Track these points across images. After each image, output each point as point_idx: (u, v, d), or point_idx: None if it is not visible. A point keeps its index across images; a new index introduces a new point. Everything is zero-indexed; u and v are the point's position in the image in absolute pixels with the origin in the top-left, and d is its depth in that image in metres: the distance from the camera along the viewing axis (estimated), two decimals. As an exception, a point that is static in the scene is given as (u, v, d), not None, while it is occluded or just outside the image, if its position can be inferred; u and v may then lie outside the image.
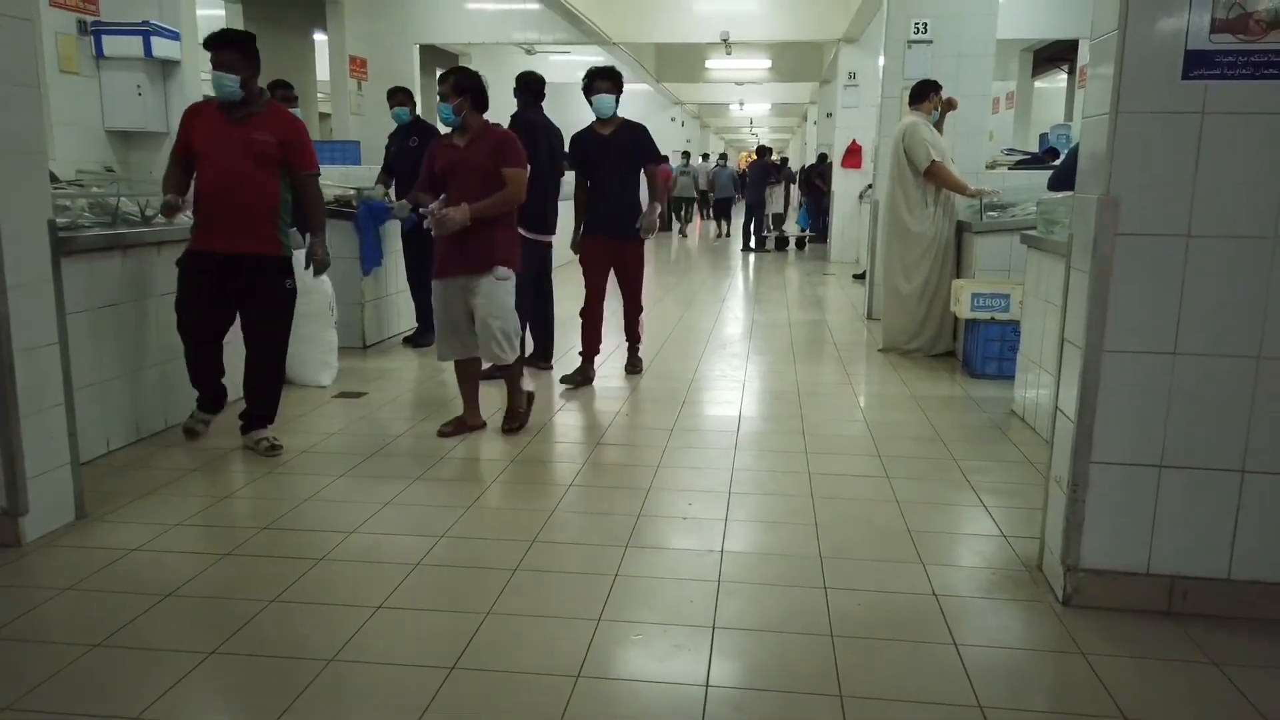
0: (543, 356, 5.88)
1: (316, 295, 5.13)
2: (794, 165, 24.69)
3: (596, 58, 13.99)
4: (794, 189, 19.11)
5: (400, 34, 12.05)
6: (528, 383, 4.92)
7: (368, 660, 2.39)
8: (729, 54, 15.94)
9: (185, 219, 4.07)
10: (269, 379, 4.15)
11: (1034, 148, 9.96)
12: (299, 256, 4.16)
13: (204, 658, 2.38)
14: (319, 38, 11.92)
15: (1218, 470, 2.59)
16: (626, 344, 5.85)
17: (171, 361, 4.27)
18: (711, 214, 20.18)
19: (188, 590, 2.77)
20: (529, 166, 4.38)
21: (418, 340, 6.53)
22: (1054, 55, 13.43)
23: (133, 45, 5.91)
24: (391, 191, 6.61)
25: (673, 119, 24.46)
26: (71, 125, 5.81)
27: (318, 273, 4.23)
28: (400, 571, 2.89)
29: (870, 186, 9.51)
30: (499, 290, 4.20)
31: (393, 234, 6.64)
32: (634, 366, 5.82)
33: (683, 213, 19.69)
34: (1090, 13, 2.66)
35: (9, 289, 2.96)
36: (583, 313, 5.54)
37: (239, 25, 10.44)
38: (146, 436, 4.23)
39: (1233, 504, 2.59)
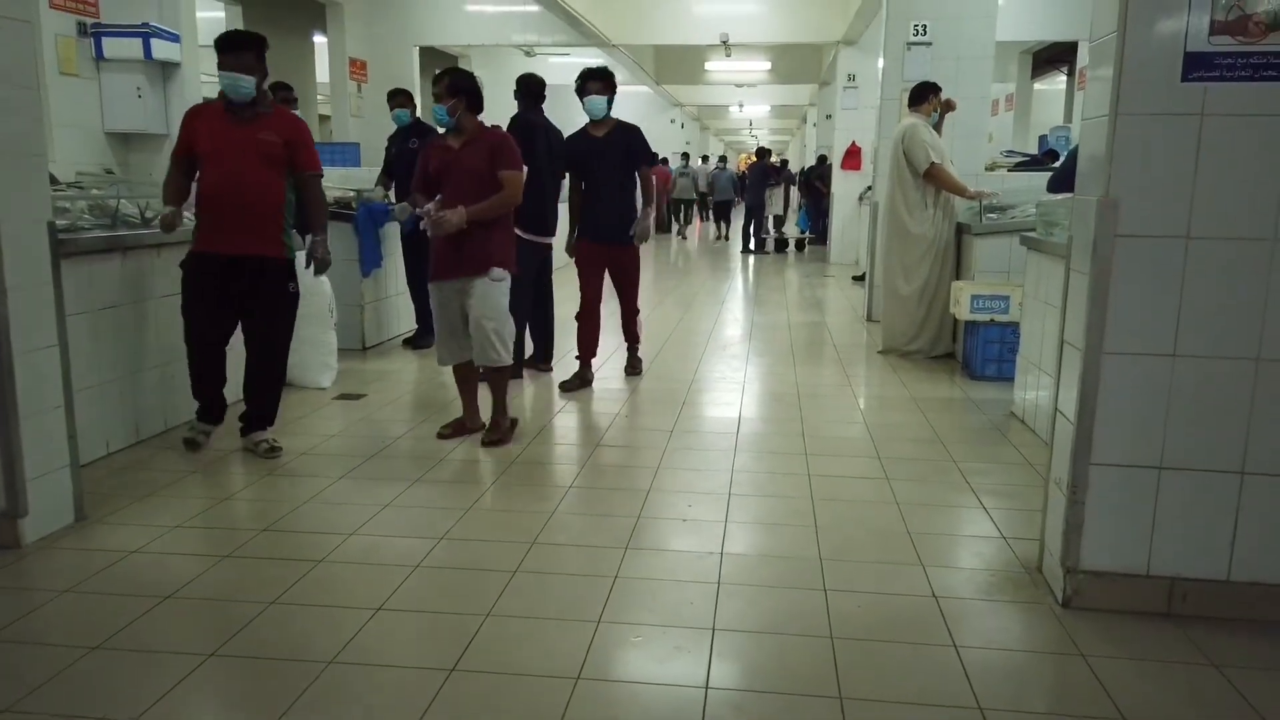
0: (543, 358, 5.88)
1: (316, 297, 5.13)
2: (793, 167, 24.69)
3: (596, 59, 13.99)
4: (793, 191, 19.13)
5: (400, 36, 12.05)
6: (516, 395, 4.89)
7: (367, 662, 2.39)
8: (728, 56, 15.94)
9: (187, 220, 4.06)
10: (270, 381, 4.15)
11: (1033, 150, 9.97)
12: (300, 258, 4.16)
13: (203, 660, 2.38)
14: (319, 40, 11.95)
15: (1217, 472, 2.59)
16: (626, 345, 5.85)
17: (171, 364, 4.27)
18: (711, 216, 20.17)
19: (187, 592, 2.77)
20: (527, 168, 4.38)
21: (417, 342, 6.54)
22: (1053, 57, 13.43)
23: (132, 47, 5.92)
24: (391, 193, 6.61)
25: (672, 121, 24.47)
26: (71, 127, 5.81)
27: (319, 272, 4.23)
28: (400, 573, 2.89)
29: (870, 188, 9.51)
30: (494, 292, 4.20)
31: (392, 236, 6.64)
32: (633, 368, 5.81)
33: (682, 215, 19.67)
34: (1089, 15, 2.67)
35: (9, 291, 2.96)
36: (578, 316, 5.53)
37: (239, 27, 10.44)
38: (146, 438, 4.23)
39: (1232, 506, 2.59)
